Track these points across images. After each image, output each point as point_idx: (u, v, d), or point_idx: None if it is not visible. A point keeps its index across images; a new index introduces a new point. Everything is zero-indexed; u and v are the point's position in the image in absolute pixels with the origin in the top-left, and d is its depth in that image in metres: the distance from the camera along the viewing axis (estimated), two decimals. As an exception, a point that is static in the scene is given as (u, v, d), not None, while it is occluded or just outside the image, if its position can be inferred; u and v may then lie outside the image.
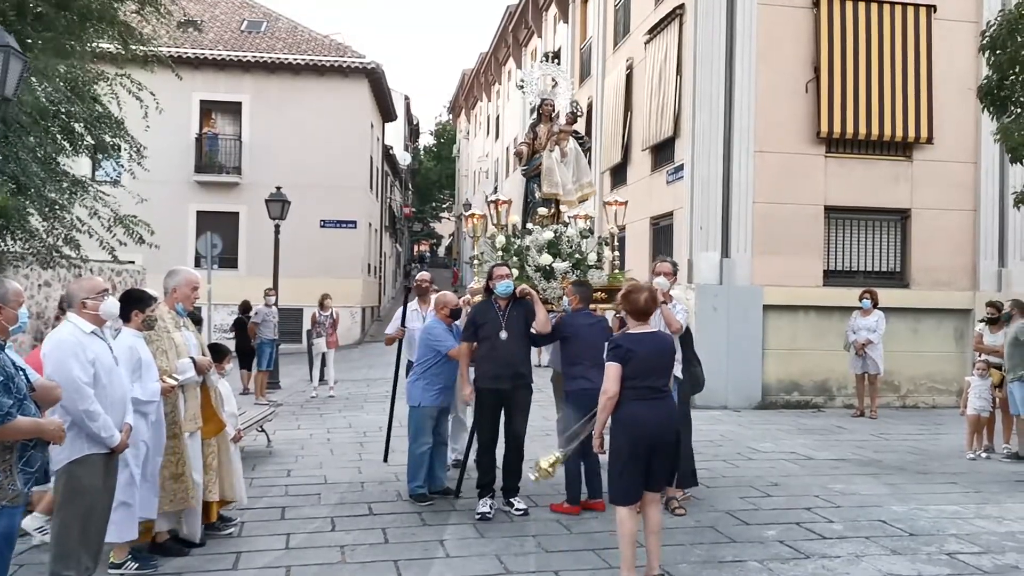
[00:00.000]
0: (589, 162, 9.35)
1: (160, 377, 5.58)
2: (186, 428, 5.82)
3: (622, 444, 5.20)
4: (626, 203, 8.84)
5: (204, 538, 6.23)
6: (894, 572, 5.70)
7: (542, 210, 8.45)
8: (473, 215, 8.76)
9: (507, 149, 36.38)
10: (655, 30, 15.96)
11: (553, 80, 9.10)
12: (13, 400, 3.97)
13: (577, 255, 7.90)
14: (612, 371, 5.20)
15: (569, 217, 8.49)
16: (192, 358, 5.87)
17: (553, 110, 8.92)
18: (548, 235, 7.97)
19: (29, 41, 10.01)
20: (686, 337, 7.52)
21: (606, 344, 5.50)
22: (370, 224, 31.11)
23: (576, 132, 8.97)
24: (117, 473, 5.20)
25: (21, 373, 4.18)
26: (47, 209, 10.56)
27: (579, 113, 9.12)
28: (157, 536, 5.93)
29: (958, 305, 14.28)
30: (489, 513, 6.91)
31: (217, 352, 6.83)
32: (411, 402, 7.63)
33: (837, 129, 13.81)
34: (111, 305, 5.06)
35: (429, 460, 7.62)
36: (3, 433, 3.94)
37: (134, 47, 12.06)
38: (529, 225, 8.32)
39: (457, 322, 7.83)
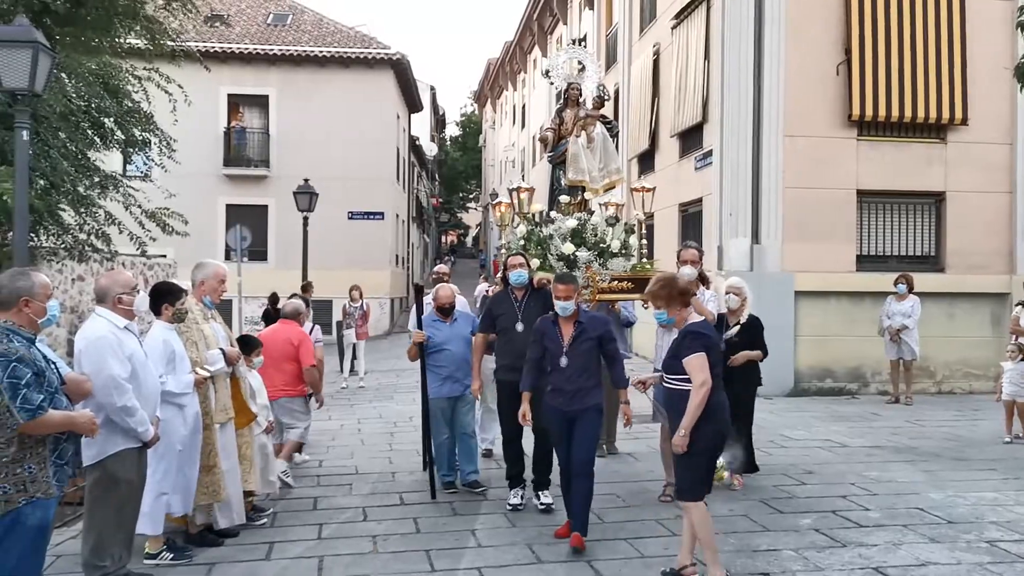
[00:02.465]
0: (617, 148, 9.15)
1: (192, 369, 5.61)
2: (217, 419, 5.85)
3: (712, 435, 5.09)
4: (654, 189, 8.65)
5: (237, 528, 6.28)
6: (933, 560, 5.61)
7: (565, 198, 8.25)
8: (500, 204, 8.55)
9: (533, 138, 36.26)
10: (682, 15, 15.79)
11: (580, 63, 8.84)
12: (44, 395, 4.00)
13: (602, 244, 7.72)
14: (702, 361, 5.04)
15: (599, 204, 8.30)
16: (221, 349, 5.90)
17: (580, 94, 8.68)
18: (572, 223, 7.80)
19: (57, 38, 10.08)
20: (758, 325, 7.52)
21: (689, 334, 5.16)
22: (397, 215, 31.18)
23: (604, 117, 8.74)
24: (147, 465, 5.23)
25: (53, 367, 4.21)
26: (78, 204, 10.68)
27: (607, 97, 8.85)
28: (190, 526, 5.98)
29: (994, 289, 14.01)
30: (520, 504, 6.87)
31: (247, 344, 6.86)
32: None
33: (869, 112, 13.56)
34: (143, 300, 5.10)
35: (451, 451, 7.57)
36: (36, 427, 3.98)
37: (162, 41, 12.13)
38: (552, 213, 8.13)
39: (464, 316, 7.72)
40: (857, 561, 5.60)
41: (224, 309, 6.50)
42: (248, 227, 21.01)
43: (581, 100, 8.71)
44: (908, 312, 12.36)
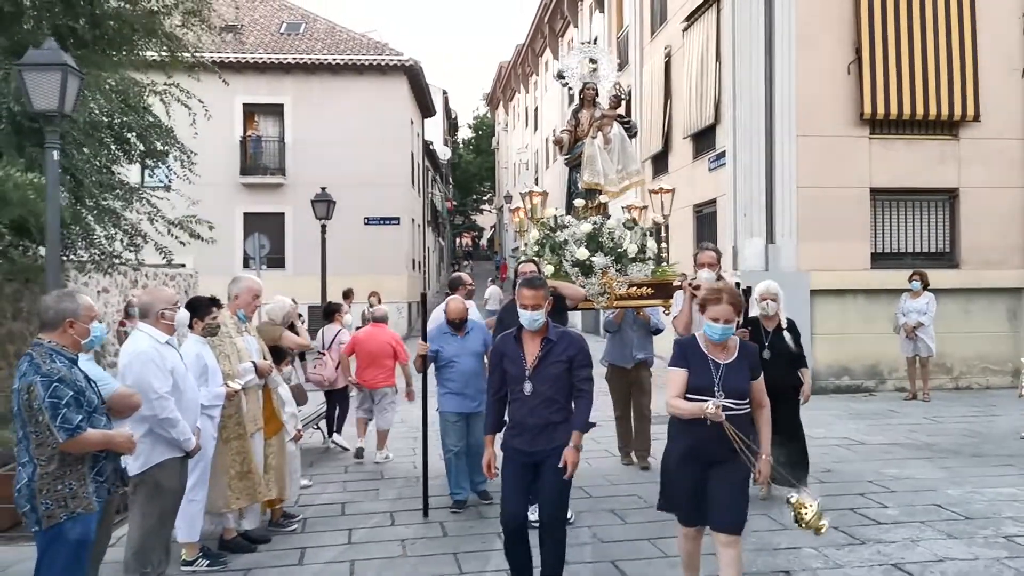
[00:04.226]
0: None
1: (223, 382, 5.79)
2: (248, 430, 6.03)
3: None
4: (673, 191, 8.44)
5: (269, 535, 6.47)
6: (951, 556, 5.73)
7: (579, 201, 7.95)
8: (518, 209, 8.35)
9: (546, 140, 36.40)
10: (692, 17, 15.90)
11: (592, 61, 8.47)
12: (83, 414, 4.15)
13: (619, 249, 7.51)
14: None
15: (622, 208, 8.06)
16: (253, 362, 6.08)
17: (595, 94, 8.35)
18: (586, 228, 7.52)
19: (79, 55, 10.29)
20: (797, 328, 7.38)
21: (755, 351, 4.92)
22: (413, 220, 31.37)
23: (621, 116, 8.41)
24: (187, 474, 5.42)
25: (93, 386, 4.37)
26: (104, 217, 10.89)
27: (623, 96, 8.56)
28: (225, 533, 6.17)
29: (1010, 284, 14.05)
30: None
31: (277, 354, 7.04)
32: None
33: (881, 110, 13.64)
34: (184, 315, 5.30)
35: (464, 466, 7.35)
36: (74, 446, 4.13)
37: (180, 55, 12.32)
38: (567, 218, 7.83)
39: (477, 329, 7.53)
40: (876, 558, 5.72)
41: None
42: (266, 235, 21.27)
43: (597, 100, 8.41)
44: (923, 309, 12.43)
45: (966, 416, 11.35)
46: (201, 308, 5.91)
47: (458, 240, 69.23)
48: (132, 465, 5.06)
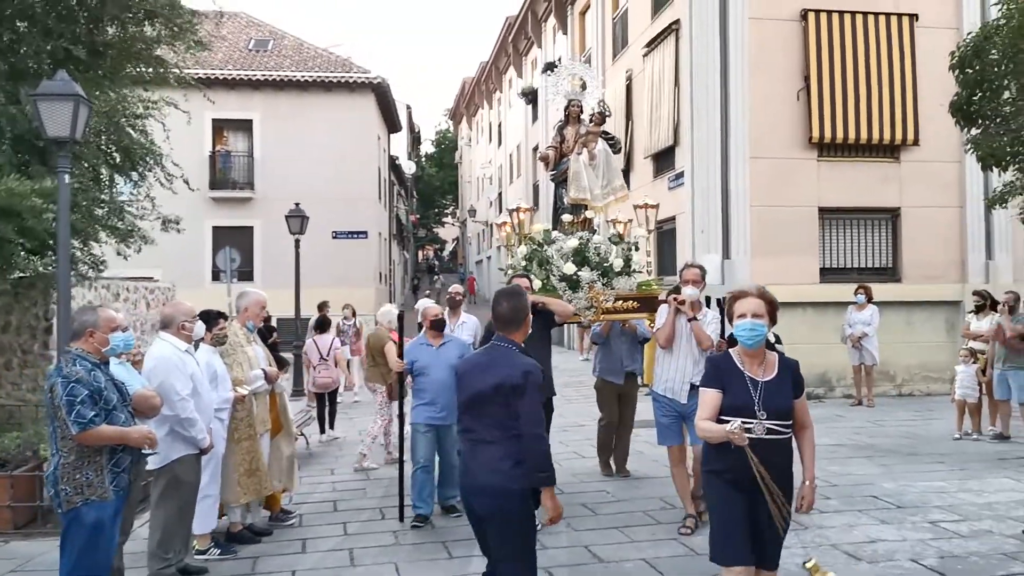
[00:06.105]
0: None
1: (233, 387, 6.40)
2: (256, 430, 6.64)
3: None
4: (657, 206, 8.61)
5: (271, 528, 7.07)
6: (882, 538, 6.51)
7: (567, 216, 8.09)
8: (505, 223, 8.49)
9: (510, 156, 37.17)
10: (653, 44, 16.76)
11: (568, 79, 8.68)
12: (97, 411, 4.68)
13: (605, 263, 7.68)
14: None
15: (607, 221, 8.30)
16: (263, 369, 6.70)
17: (580, 111, 8.51)
18: (573, 243, 7.66)
19: (82, 78, 10.77)
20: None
21: (796, 365, 4.35)
22: (380, 233, 31.90)
23: (605, 133, 8.59)
24: (202, 470, 6.01)
25: (115, 388, 4.90)
26: (90, 230, 11.32)
27: (608, 113, 8.75)
28: (232, 526, 6.75)
29: (948, 297, 15.06)
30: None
31: (277, 363, 7.64)
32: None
33: (828, 134, 14.58)
34: (201, 327, 5.91)
35: (431, 481, 7.34)
36: (87, 438, 4.66)
37: (163, 72, 12.79)
38: (554, 233, 7.99)
39: (454, 342, 7.62)
40: (817, 540, 6.48)
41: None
42: (235, 248, 21.66)
43: (582, 117, 8.53)
44: (868, 320, 13.33)
45: (906, 420, 12.24)
46: (210, 320, 6.51)
47: (420, 253, 69.68)
48: (153, 460, 5.63)
